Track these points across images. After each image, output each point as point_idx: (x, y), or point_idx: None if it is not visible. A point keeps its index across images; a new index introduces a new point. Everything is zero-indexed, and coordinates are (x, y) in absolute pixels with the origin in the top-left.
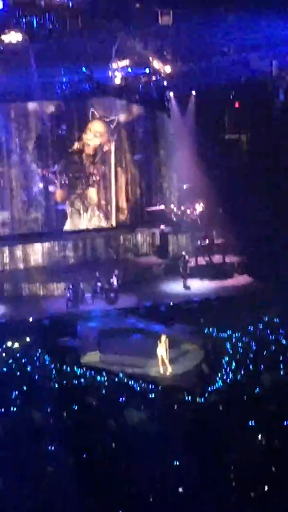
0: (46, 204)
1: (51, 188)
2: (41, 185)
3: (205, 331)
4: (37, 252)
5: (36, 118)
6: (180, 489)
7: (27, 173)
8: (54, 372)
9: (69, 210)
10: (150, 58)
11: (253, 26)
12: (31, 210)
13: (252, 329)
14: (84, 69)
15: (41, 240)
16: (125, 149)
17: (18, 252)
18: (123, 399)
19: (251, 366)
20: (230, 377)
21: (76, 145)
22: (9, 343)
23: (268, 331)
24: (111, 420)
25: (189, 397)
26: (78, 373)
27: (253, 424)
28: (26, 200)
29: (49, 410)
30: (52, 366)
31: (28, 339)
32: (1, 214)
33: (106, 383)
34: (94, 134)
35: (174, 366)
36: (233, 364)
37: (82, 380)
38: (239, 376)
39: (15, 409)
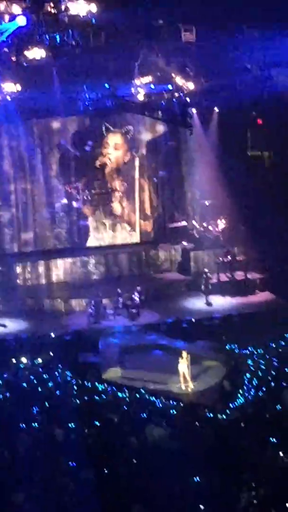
0: (69, 220)
1: (73, 204)
2: (63, 201)
3: (227, 348)
4: (60, 268)
5: (58, 134)
6: (201, 506)
7: (50, 189)
8: (75, 388)
9: (91, 226)
10: (173, 75)
11: (277, 42)
12: (54, 226)
13: (274, 346)
14: (106, 85)
15: (63, 256)
16: (148, 165)
17: (41, 268)
18: (145, 415)
19: (272, 383)
20: (252, 394)
21: (98, 161)
22: (31, 359)
23: None
24: (132, 436)
25: (211, 414)
26: (100, 389)
27: (274, 441)
28: (49, 217)
29: (70, 426)
30: (74, 381)
31: (49, 355)
32: (24, 231)
33: (127, 399)
34: (114, 148)
35: (196, 383)
36: (255, 381)
37: (104, 396)
38: (260, 393)
39: (36, 425)
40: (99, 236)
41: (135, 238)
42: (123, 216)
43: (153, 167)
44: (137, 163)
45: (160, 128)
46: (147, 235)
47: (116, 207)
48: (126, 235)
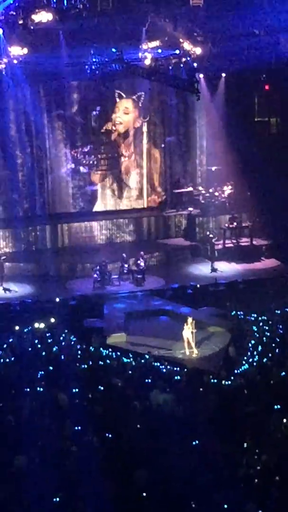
0: (75, 185)
1: (80, 169)
2: (70, 166)
3: (232, 314)
4: (65, 233)
5: (65, 98)
6: (204, 472)
7: (56, 154)
8: (79, 352)
9: (98, 191)
10: (180, 40)
11: (285, 7)
12: (61, 191)
13: (278, 312)
14: (114, 49)
15: (69, 221)
16: (154, 130)
17: (46, 232)
18: (149, 380)
19: (277, 350)
20: (256, 360)
21: (106, 125)
22: (36, 324)
23: None
24: (136, 401)
25: (215, 380)
26: (104, 354)
27: (278, 408)
28: (55, 181)
29: (74, 391)
30: (78, 346)
31: (54, 319)
32: (30, 196)
33: (132, 365)
34: (124, 112)
35: (200, 349)
36: (260, 347)
37: (108, 361)
38: (265, 360)
39: (40, 389)
40: (106, 201)
41: (142, 203)
42: (130, 182)
43: (160, 132)
44: (144, 128)
45: (167, 93)
46: (154, 200)
47: (123, 172)
48: (133, 201)
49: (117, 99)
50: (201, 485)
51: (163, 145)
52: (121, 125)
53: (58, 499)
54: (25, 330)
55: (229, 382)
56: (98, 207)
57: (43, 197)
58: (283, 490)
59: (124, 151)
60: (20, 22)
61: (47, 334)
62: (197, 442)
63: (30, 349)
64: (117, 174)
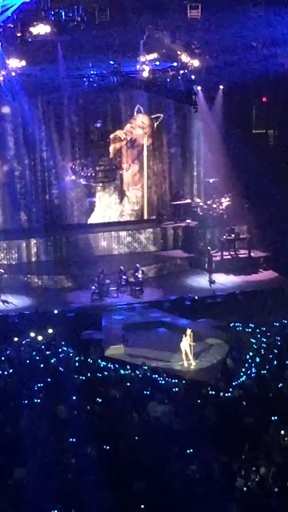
0: (73, 197)
1: (79, 180)
2: (69, 178)
3: (230, 326)
4: (63, 244)
5: (62, 110)
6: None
7: (54, 165)
8: (77, 364)
9: (96, 202)
10: (178, 52)
11: (282, 20)
12: (58, 203)
13: (277, 325)
14: (111, 62)
15: (67, 232)
16: (153, 143)
17: (45, 244)
18: (147, 392)
19: (275, 362)
20: (254, 372)
21: (102, 137)
22: (33, 335)
23: None
24: (134, 413)
25: (213, 392)
26: (102, 365)
27: (276, 419)
28: (53, 193)
29: (72, 403)
30: (76, 358)
31: (52, 331)
32: (28, 207)
33: (130, 377)
34: (139, 126)
35: (198, 360)
36: (257, 359)
37: (106, 373)
38: (263, 371)
39: (38, 401)
40: (104, 213)
41: (140, 215)
42: (129, 194)
43: (158, 144)
44: (143, 140)
45: (165, 105)
46: (152, 212)
47: (122, 184)
48: (131, 213)
49: (135, 113)
50: (199, 496)
51: (159, 157)
52: (131, 136)
53: (57, 511)
54: (23, 342)
55: (228, 394)
56: (96, 219)
57: (41, 209)
58: (281, 501)
59: (123, 164)
60: (18, 34)
61: (45, 346)
62: (195, 453)
63: (28, 361)
64: (116, 186)
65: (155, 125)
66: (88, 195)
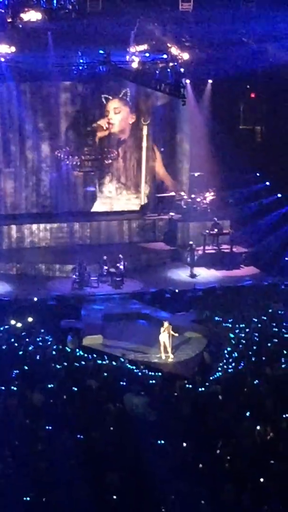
0: (58, 185)
1: (63, 169)
2: (53, 165)
3: (209, 320)
4: (46, 232)
5: (51, 98)
6: (175, 476)
7: (41, 153)
8: (55, 353)
9: (80, 192)
10: (168, 44)
11: (273, 15)
12: (42, 191)
13: (256, 320)
14: (101, 51)
15: (50, 221)
16: (139, 135)
17: (26, 231)
18: (124, 383)
19: (252, 358)
20: (231, 367)
21: (89, 127)
22: (13, 322)
23: (273, 324)
24: (110, 404)
25: (190, 385)
26: (80, 355)
27: (250, 415)
28: (37, 181)
29: (49, 391)
30: (54, 347)
31: (31, 319)
32: (12, 194)
33: (107, 367)
34: (114, 112)
35: (176, 354)
36: (235, 354)
37: (83, 363)
38: (240, 367)
39: (15, 388)
40: (87, 202)
41: (123, 206)
42: (112, 184)
43: (144, 136)
44: (128, 133)
45: (153, 97)
46: (135, 204)
47: (106, 174)
48: (114, 203)
49: (105, 102)
50: (172, 488)
51: (145, 149)
52: (115, 125)
53: (28, 498)
54: (1, 329)
55: (203, 388)
56: (79, 207)
57: (24, 196)
58: (253, 496)
59: (108, 154)
60: (9, 20)
61: (24, 333)
62: (169, 445)
63: (5, 347)
64: (99, 175)
65: (127, 99)
66: (72, 184)
